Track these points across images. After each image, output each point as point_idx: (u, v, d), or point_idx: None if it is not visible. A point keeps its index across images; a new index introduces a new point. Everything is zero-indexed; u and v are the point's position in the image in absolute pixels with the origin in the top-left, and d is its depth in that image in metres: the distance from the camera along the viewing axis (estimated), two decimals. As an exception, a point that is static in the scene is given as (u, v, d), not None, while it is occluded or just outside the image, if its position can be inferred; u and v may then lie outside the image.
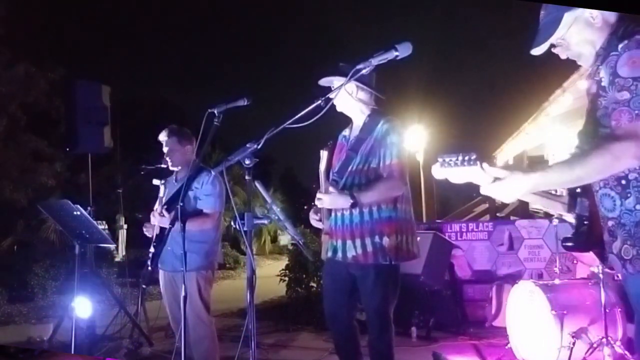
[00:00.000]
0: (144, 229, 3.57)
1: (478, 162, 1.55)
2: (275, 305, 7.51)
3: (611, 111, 1.58)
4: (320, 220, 2.80)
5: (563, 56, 1.81)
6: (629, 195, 1.61)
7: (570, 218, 1.87)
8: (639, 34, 1.59)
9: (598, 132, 1.68)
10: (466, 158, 1.54)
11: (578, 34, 1.74)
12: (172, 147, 3.59)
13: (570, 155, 1.73)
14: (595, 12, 1.70)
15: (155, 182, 3.58)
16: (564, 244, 1.90)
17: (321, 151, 2.78)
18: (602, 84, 1.65)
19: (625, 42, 1.59)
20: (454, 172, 1.57)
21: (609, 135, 1.58)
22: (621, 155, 1.51)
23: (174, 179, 3.66)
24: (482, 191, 1.64)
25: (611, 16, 1.71)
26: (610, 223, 1.69)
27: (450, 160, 1.56)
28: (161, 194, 3.48)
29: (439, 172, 1.60)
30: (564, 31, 1.74)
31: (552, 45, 1.79)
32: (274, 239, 24.26)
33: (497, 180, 1.59)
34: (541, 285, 3.81)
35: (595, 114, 1.69)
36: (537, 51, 1.79)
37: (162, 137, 3.62)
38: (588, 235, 1.81)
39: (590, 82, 1.75)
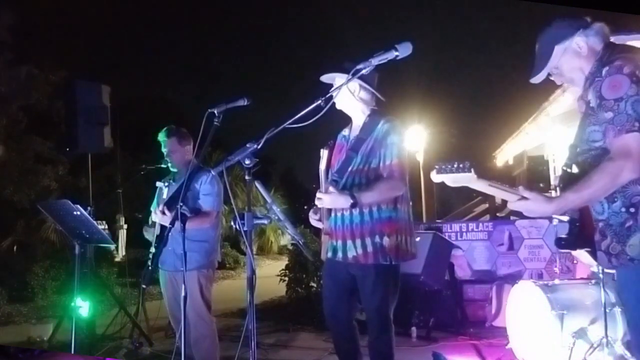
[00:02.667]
0: (145, 232, 3.58)
1: (472, 170, 1.78)
2: (275, 305, 7.52)
3: (604, 130, 1.82)
4: (320, 220, 2.80)
5: (558, 82, 2.08)
6: (615, 200, 1.84)
7: (566, 219, 2.07)
8: (618, 60, 1.84)
9: (587, 146, 1.91)
10: (461, 165, 1.78)
11: (568, 63, 1.98)
12: (172, 148, 3.60)
13: (562, 169, 2.02)
14: (582, 42, 1.95)
15: (159, 184, 3.59)
16: (557, 243, 2.13)
17: (322, 150, 2.78)
18: (591, 104, 1.88)
19: (607, 68, 1.85)
20: (449, 177, 1.81)
21: (605, 157, 1.81)
22: (618, 172, 1.75)
23: (173, 179, 3.66)
24: (509, 206, 1.89)
25: (596, 45, 1.95)
26: (600, 224, 1.91)
27: (446, 167, 1.80)
28: (164, 195, 3.48)
29: (436, 177, 1.84)
30: (556, 61, 1.99)
31: (549, 74, 2.04)
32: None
33: (523, 199, 1.82)
34: (541, 285, 3.81)
35: (585, 130, 1.92)
36: (535, 80, 2.06)
37: (162, 137, 3.62)
38: (579, 235, 2.02)
39: (581, 102, 1.99)
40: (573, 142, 2.00)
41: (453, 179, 1.82)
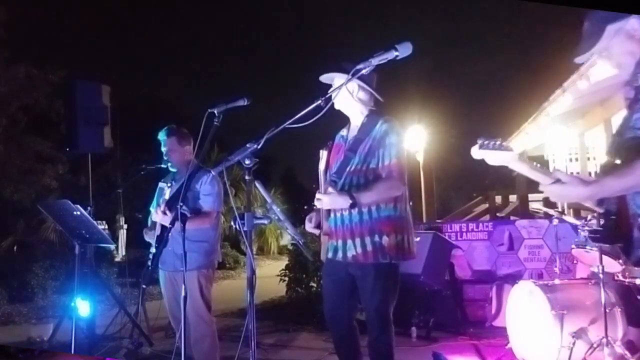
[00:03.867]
0: (145, 235, 3.58)
1: (513, 150, 1.74)
2: (275, 305, 7.51)
3: None
4: (315, 227, 2.80)
5: (604, 65, 1.98)
6: None
7: (572, 219, 1.98)
8: None
9: (632, 133, 1.82)
10: (503, 144, 1.74)
11: (619, 46, 1.87)
12: (172, 147, 3.60)
13: (606, 157, 1.94)
14: (637, 25, 1.84)
15: (161, 184, 3.58)
16: (591, 235, 2.04)
17: (321, 151, 2.78)
18: None
19: None
20: (491, 154, 1.75)
21: None
22: None
23: (173, 179, 3.66)
24: (541, 188, 1.82)
25: None
26: None
27: (489, 143, 1.74)
28: (166, 196, 3.48)
29: (477, 153, 1.76)
30: (607, 42, 1.87)
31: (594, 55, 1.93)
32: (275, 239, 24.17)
33: (558, 182, 1.75)
34: (541, 285, 3.81)
35: (632, 117, 1.83)
36: (580, 59, 1.96)
37: (161, 136, 3.63)
38: (615, 229, 1.94)
39: (628, 88, 1.89)
40: (618, 129, 1.92)
41: (494, 157, 1.76)
